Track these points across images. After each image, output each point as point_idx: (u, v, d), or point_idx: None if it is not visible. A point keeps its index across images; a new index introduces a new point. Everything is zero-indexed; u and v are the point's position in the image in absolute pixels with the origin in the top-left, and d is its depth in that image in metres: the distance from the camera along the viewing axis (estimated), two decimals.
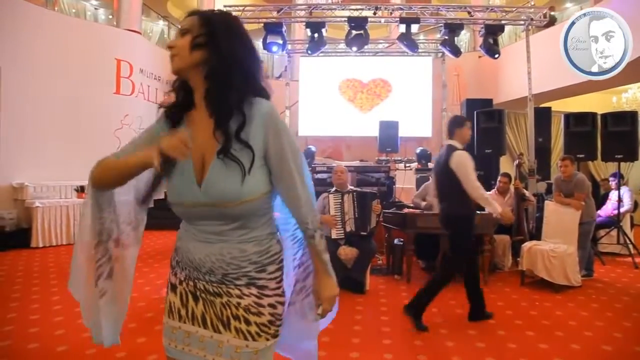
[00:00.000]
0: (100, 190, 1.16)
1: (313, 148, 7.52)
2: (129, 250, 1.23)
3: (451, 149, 3.25)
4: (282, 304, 1.16)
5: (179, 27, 1.11)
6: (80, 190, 6.80)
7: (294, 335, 1.29)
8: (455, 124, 3.37)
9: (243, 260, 1.10)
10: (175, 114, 1.14)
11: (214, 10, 1.15)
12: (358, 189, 4.50)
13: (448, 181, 3.22)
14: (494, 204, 3.16)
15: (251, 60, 1.11)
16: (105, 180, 1.13)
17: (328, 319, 1.29)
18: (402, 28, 7.25)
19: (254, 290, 1.11)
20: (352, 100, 9.80)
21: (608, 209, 6.27)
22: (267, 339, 1.11)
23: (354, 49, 7.43)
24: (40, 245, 6.11)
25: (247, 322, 1.10)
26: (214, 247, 1.10)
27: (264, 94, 1.12)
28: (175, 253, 1.19)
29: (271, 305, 1.13)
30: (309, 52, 7.47)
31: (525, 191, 5.36)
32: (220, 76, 1.06)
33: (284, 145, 1.09)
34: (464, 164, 3.14)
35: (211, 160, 1.06)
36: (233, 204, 1.05)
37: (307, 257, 1.28)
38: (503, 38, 7.43)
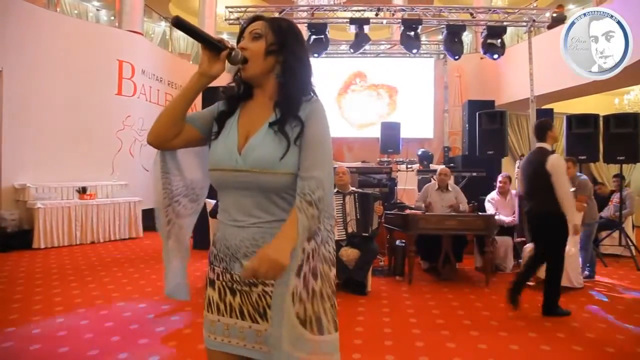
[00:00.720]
0: (161, 144, 1.22)
1: None
2: (185, 220, 1.31)
3: (546, 152, 3.49)
4: None
5: (249, 29, 1.20)
6: (82, 191, 6.79)
7: None
8: (546, 127, 3.59)
9: None
10: (233, 102, 1.27)
11: (278, 17, 1.28)
12: (360, 190, 4.50)
13: (542, 182, 3.43)
14: (576, 214, 3.39)
15: (309, 64, 1.25)
16: (162, 120, 1.19)
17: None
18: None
19: None
20: (344, 112, 9.80)
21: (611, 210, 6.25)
22: None
23: (351, 51, 7.43)
24: (42, 246, 6.11)
25: None
26: (247, 231, 1.15)
27: (314, 93, 1.25)
28: (213, 246, 1.25)
29: None
30: (316, 55, 7.44)
31: None
32: (290, 79, 1.19)
33: (317, 133, 1.15)
34: (561, 167, 3.41)
35: (255, 132, 1.16)
36: (268, 172, 1.11)
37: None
38: (505, 39, 7.41)
